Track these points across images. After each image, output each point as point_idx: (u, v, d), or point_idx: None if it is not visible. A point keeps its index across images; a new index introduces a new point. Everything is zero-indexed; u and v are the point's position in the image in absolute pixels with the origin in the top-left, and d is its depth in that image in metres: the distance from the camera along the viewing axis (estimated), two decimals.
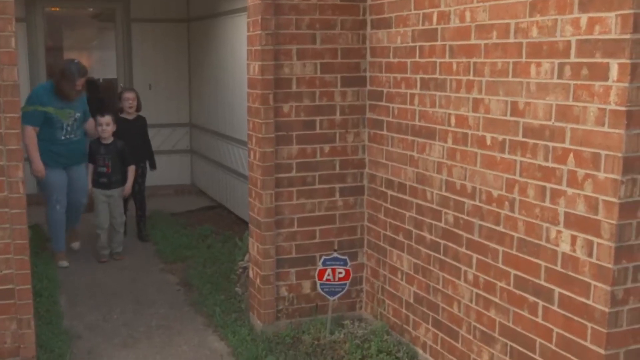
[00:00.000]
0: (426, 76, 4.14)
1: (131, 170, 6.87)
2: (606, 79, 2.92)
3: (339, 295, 4.69)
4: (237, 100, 7.37)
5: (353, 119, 4.80)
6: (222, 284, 5.85)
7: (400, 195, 4.48)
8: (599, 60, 2.95)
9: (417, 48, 4.20)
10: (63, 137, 6.33)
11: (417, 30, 4.19)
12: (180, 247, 7.07)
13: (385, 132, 4.61)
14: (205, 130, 9.12)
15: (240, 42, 6.80)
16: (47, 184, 6.35)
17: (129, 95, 7.29)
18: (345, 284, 4.66)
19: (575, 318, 3.16)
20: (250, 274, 5.03)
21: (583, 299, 3.11)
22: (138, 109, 7.32)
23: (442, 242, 4.09)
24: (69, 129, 6.34)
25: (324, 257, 4.63)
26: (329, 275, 4.60)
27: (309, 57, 4.63)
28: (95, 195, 6.68)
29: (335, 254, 4.66)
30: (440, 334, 4.18)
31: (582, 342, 3.13)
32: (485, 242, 3.72)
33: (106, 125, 6.56)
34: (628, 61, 2.82)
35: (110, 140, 6.64)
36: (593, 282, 3.06)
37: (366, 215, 4.92)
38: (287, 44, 4.57)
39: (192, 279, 6.08)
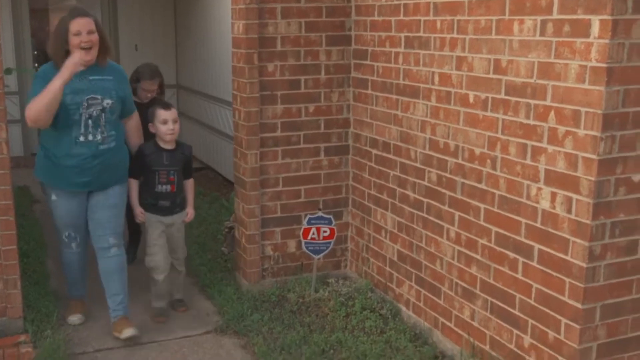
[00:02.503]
0: (410, 34, 4.11)
1: (190, 185, 4.71)
2: (587, 35, 2.92)
3: (323, 253, 4.72)
4: (223, 61, 7.32)
5: (338, 78, 4.78)
6: (208, 244, 5.86)
7: (385, 154, 4.49)
8: (581, 16, 2.94)
9: (402, 6, 4.17)
10: (82, 139, 3.97)
11: None
12: None
13: (369, 91, 4.60)
14: (192, 92, 9.06)
15: (225, 1, 6.73)
16: (53, 214, 4.26)
17: (150, 85, 5.28)
18: (329, 243, 4.69)
19: (554, 274, 3.21)
20: (236, 234, 5.05)
21: (562, 255, 3.15)
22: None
23: (426, 200, 4.11)
24: (91, 124, 3.98)
25: (308, 216, 4.64)
26: (313, 234, 4.63)
27: (294, 16, 4.59)
28: (148, 225, 4.49)
29: (320, 213, 4.68)
30: (423, 291, 4.23)
31: (560, 297, 3.18)
32: (468, 200, 3.74)
33: (173, 123, 4.38)
34: (609, 17, 2.81)
35: (174, 144, 4.48)
36: (572, 238, 3.09)
37: (351, 174, 4.93)
38: (271, 3, 4.52)
39: None
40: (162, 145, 4.41)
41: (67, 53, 3.90)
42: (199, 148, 8.99)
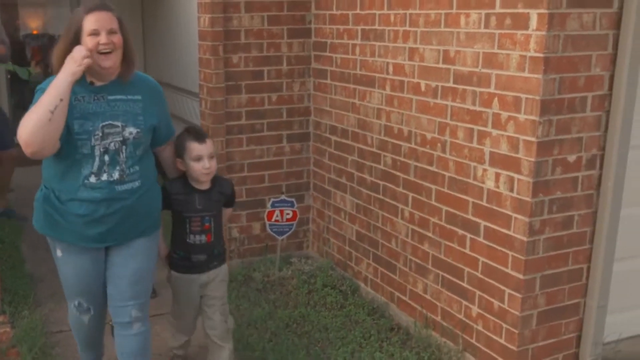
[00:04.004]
0: (366, 27, 4.20)
1: (228, 214, 3.60)
2: (527, 28, 3.03)
3: (287, 235, 4.79)
4: (190, 53, 7.30)
5: (299, 69, 4.85)
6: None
7: (343, 141, 4.57)
8: (521, 10, 3.05)
9: (358, 1, 4.24)
10: (93, 179, 2.80)
11: None
12: None
13: (329, 81, 4.67)
14: (160, 83, 9.00)
15: (193, 5, 6.72)
16: (59, 273, 3.07)
17: None
18: (292, 225, 4.77)
19: (498, 248, 3.33)
20: None
21: (505, 230, 3.28)
22: None
23: (382, 183, 4.21)
24: (107, 160, 2.81)
25: (272, 200, 4.72)
26: (277, 216, 4.69)
27: (257, 10, 4.63)
28: (177, 285, 3.35)
29: (283, 197, 4.74)
30: (380, 268, 4.34)
31: (504, 269, 3.31)
32: (420, 182, 3.85)
33: (209, 159, 3.18)
34: (546, 11, 2.93)
35: (209, 183, 3.27)
36: (514, 215, 3.22)
37: (312, 160, 5.01)
38: None
39: None
40: (195, 184, 3.22)
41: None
42: None
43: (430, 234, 3.81)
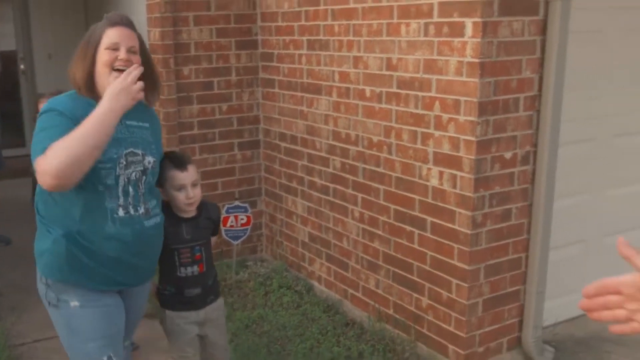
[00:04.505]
0: (312, 38, 4.32)
1: (213, 242, 3.11)
2: (463, 35, 3.21)
3: (242, 239, 4.87)
4: None
5: (247, 79, 4.94)
6: None
7: (293, 147, 4.68)
8: (457, 19, 3.23)
9: (303, 12, 4.37)
10: (122, 212, 2.43)
11: None
12: None
13: (277, 90, 4.78)
14: None
15: (139, 9, 6.71)
16: (71, 329, 2.51)
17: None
18: (247, 229, 4.84)
19: (445, 241, 3.50)
20: None
21: (450, 225, 3.44)
22: None
23: (332, 185, 4.33)
24: (131, 191, 2.46)
25: (226, 206, 4.79)
26: (232, 222, 4.77)
27: (205, 23, 4.71)
28: (173, 325, 2.90)
29: (237, 203, 4.82)
30: (333, 267, 4.46)
31: (450, 261, 3.47)
32: (369, 183, 3.99)
33: (192, 188, 2.82)
34: (480, 20, 3.11)
35: (196, 211, 2.92)
36: (457, 210, 3.39)
37: (263, 166, 5.11)
38: (184, 11, 4.62)
39: None
40: (180, 213, 2.86)
41: (92, 77, 2.41)
42: None
43: (380, 232, 3.95)
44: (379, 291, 4.04)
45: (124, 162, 2.42)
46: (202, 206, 2.94)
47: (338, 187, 4.26)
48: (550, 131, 3.34)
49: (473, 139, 3.24)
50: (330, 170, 4.32)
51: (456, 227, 3.40)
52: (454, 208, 3.40)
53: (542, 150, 3.39)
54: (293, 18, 4.47)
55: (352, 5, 3.90)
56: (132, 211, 2.43)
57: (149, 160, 2.52)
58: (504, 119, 3.29)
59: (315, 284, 4.67)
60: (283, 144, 4.79)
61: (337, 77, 4.14)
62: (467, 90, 3.22)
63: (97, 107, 2.24)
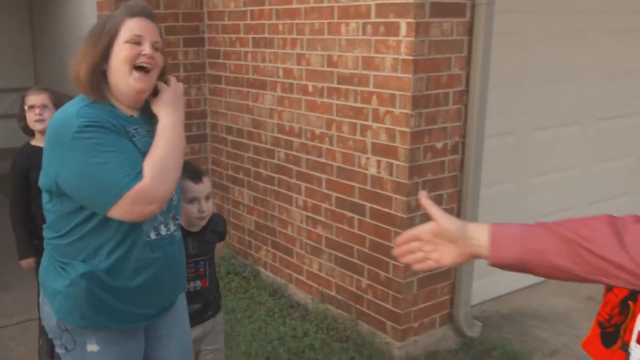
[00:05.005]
0: (257, 36, 4.46)
1: (219, 248, 2.95)
2: (398, 34, 3.40)
3: None
4: None
5: (195, 75, 5.04)
6: None
7: (239, 139, 4.81)
8: (392, 20, 3.42)
9: (248, 12, 4.49)
10: (153, 235, 2.06)
11: None
12: None
13: (223, 86, 4.90)
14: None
15: (87, 7, 6.70)
16: None
17: (35, 98, 3.33)
18: None
19: (383, 225, 3.69)
20: None
21: (387, 210, 3.64)
22: None
23: (276, 176, 4.48)
24: (164, 207, 2.00)
25: None
26: None
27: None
28: None
29: None
30: (278, 253, 4.62)
31: (387, 243, 3.67)
32: (311, 172, 4.16)
33: (205, 201, 2.65)
34: (413, 20, 3.31)
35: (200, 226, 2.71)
36: (394, 196, 3.59)
37: (210, 159, 5.21)
38: None
39: None
40: (186, 226, 2.62)
41: (104, 76, 1.97)
42: None
43: (322, 219, 4.13)
44: (322, 274, 4.21)
45: None
46: (214, 220, 2.76)
47: (283, 177, 4.41)
48: (476, 123, 3.58)
49: (407, 130, 3.44)
50: (275, 161, 4.47)
51: (392, 211, 3.60)
52: (390, 194, 3.61)
53: (469, 141, 3.63)
54: (239, 17, 4.60)
55: (295, 6, 4.06)
56: (162, 231, 2.10)
57: None
58: (435, 111, 3.51)
59: (262, 269, 4.81)
60: (230, 137, 4.91)
61: (281, 73, 4.29)
62: (402, 85, 3.43)
63: (165, 119, 1.95)
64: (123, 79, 1.95)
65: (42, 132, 3.25)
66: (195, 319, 2.68)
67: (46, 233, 2.08)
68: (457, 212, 3.74)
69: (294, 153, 4.27)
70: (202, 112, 5.11)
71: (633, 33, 4.66)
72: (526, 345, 3.83)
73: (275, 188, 4.50)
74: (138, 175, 1.83)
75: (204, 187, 2.65)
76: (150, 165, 1.86)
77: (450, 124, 3.58)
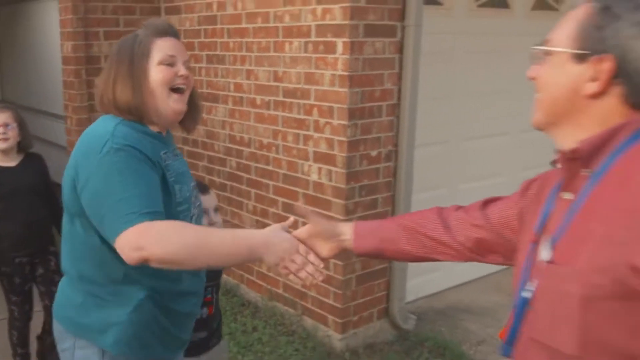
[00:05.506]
0: (210, 53, 4.68)
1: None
2: (335, 52, 3.65)
3: None
4: (53, 79, 7.33)
5: None
6: None
7: (194, 149, 5.01)
8: (330, 39, 3.67)
9: (202, 30, 4.72)
10: None
11: (202, 16, 4.70)
12: None
13: None
14: (19, 107, 8.85)
15: (51, 24, 6.83)
16: None
17: None
18: None
19: None
20: None
21: (328, 212, 3.85)
22: (23, 143, 3.44)
23: (228, 183, 4.69)
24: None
25: None
26: None
27: (114, 38, 4.94)
28: None
29: None
30: None
31: None
32: (260, 179, 4.37)
33: (215, 214, 2.52)
34: (348, 40, 3.57)
35: None
36: (333, 199, 3.82)
37: None
38: (95, 27, 4.86)
39: None
40: None
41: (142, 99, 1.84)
42: None
43: (270, 222, 4.34)
44: (270, 274, 4.42)
45: (194, 199, 1.98)
46: None
47: (234, 184, 4.62)
48: (407, 134, 3.84)
49: (345, 139, 3.69)
50: (227, 169, 4.68)
51: (332, 214, 3.83)
52: (330, 198, 3.84)
53: (401, 149, 3.89)
54: (194, 35, 4.82)
55: (244, 25, 4.30)
56: None
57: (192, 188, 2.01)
58: (370, 122, 3.76)
59: None
60: (186, 147, 5.11)
61: (232, 87, 4.51)
62: (339, 98, 3.68)
63: (250, 238, 1.72)
64: (162, 101, 1.83)
65: (5, 151, 3.33)
66: (201, 347, 2.52)
67: (71, 265, 1.85)
68: (392, 215, 3.99)
69: (244, 162, 4.49)
70: None
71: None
72: (456, 337, 4.10)
73: (228, 194, 4.71)
74: (144, 215, 1.60)
75: (211, 198, 2.53)
76: (173, 225, 1.63)
77: (383, 134, 3.84)
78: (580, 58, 1.17)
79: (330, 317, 3.98)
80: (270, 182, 4.28)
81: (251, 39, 4.26)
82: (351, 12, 3.53)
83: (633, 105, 1.16)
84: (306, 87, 3.88)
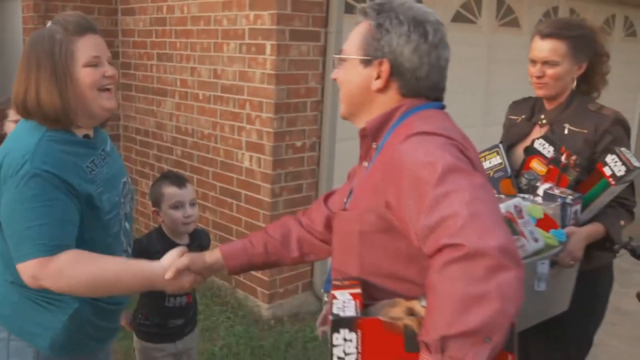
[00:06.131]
0: (160, 51, 4.99)
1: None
2: (265, 53, 4.00)
3: None
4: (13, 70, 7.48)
5: None
6: None
7: (145, 139, 5.31)
8: (260, 42, 4.02)
9: (154, 31, 5.02)
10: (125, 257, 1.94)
11: (153, 18, 5.01)
12: None
13: (134, 93, 5.39)
14: None
15: (13, 20, 6.96)
16: None
17: None
18: None
19: (254, 208, 4.26)
20: None
21: (257, 196, 4.21)
22: None
23: (175, 169, 5.00)
24: (127, 227, 1.97)
25: None
26: None
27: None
28: (146, 357, 2.65)
29: None
30: None
31: (258, 223, 4.23)
32: (201, 166, 4.70)
33: (191, 206, 2.59)
34: (275, 43, 3.92)
35: (189, 238, 2.66)
36: (262, 184, 4.16)
37: (122, 156, 5.68)
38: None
39: None
40: (174, 238, 2.56)
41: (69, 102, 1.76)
42: None
43: (210, 204, 4.68)
44: None
45: (123, 199, 1.92)
46: (195, 234, 2.67)
47: (180, 170, 4.93)
48: (329, 128, 4.20)
49: (272, 130, 4.04)
50: (174, 157, 5.00)
51: (261, 197, 4.18)
52: (259, 183, 4.19)
53: (324, 141, 4.25)
54: (146, 35, 5.12)
55: (189, 27, 4.63)
56: (129, 250, 1.99)
57: (129, 181, 2.01)
58: (295, 116, 4.12)
59: None
60: (138, 137, 5.41)
61: (178, 83, 4.83)
62: (268, 94, 4.03)
63: (149, 272, 1.74)
64: (93, 102, 1.76)
65: None
66: (177, 334, 2.62)
67: (3, 269, 1.81)
68: (315, 199, 4.35)
69: (188, 150, 4.81)
70: (116, 115, 5.58)
71: (511, 63, 5.45)
72: None
73: None
74: (47, 249, 1.62)
75: (187, 192, 2.56)
76: (79, 264, 1.65)
77: (308, 127, 4.20)
78: (365, 62, 1.53)
79: (259, 289, 4.33)
80: (210, 169, 4.61)
81: (195, 40, 4.58)
82: (278, 18, 3.88)
83: (404, 94, 1.54)
84: (240, 83, 4.22)
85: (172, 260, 1.76)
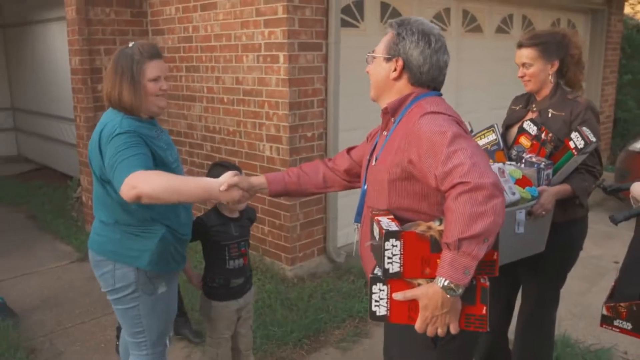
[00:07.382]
0: (188, 64, 5.54)
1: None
2: (278, 62, 4.57)
3: None
4: (60, 87, 7.65)
5: None
6: (60, 212, 6.51)
7: (178, 138, 5.84)
8: (275, 53, 4.60)
9: (181, 47, 5.57)
10: None
11: (180, 36, 5.56)
12: (19, 195, 7.32)
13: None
14: (29, 112, 9.21)
15: (58, 43, 7.32)
16: (158, 314, 2.62)
17: None
18: None
19: None
20: (83, 199, 6.17)
21: None
22: None
23: (205, 162, 5.54)
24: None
25: None
26: None
27: (112, 53, 5.73)
28: (218, 314, 3.00)
29: None
30: None
31: (279, 201, 4.83)
32: (229, 157, 5.23)
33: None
34: (287, 54, 4.49)
35: (238, 213, 3.02)
36: (281, 169, 4.69)
37: None
38: (97, 45, 5.62)
39: (37, 214, 6.60)
40: (227, 213, 2.95)
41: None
42: (37, 154, 9.26)
43: None
44: None
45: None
46: (244, 210, 3.02)
47: (209, 162, 5.48)
48: (333, 120, 4.81)
49: (287, 124, 4.64)
50: (204, 152, 5.56)
51: None
52: (279, 167, 4.75)
53: (329, 132, 4.85)
54: (174, 51, 5.67)
55: (213, 43, 5.22)
56: None
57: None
58: (305, 112, 4.72)
59: None
60: (171, 137, 5.96)
61: (205, 90, 5.39)
62: (282, 95, 4.62)
63: (208, 183, 2.20)
64: (153, 103, 2.46)
65: None
66: (239, 292, 2.99)
67: (107, 216, 2.45)
68: None
69: (217, 145, 5.39)
70: None
71: (475, 62, 6.03)
72: None
73: (205, 171, 5.59)
74: (143, 167, 2.20)
75: (234, 175, 2.49)
76: (159, 174, 2.17)
77: (316, 120, 4.81)
78: (387, 59, 2.09)
79: (283, 255, 4.94)
80: (236, 159, 5.19)
81: (218, 54, 5.13)
82: (288, 34, 4.48)
83: (413, 83, 2.08)
84: (259, 88, 4.79)
85: (227, 177, 2.21)
